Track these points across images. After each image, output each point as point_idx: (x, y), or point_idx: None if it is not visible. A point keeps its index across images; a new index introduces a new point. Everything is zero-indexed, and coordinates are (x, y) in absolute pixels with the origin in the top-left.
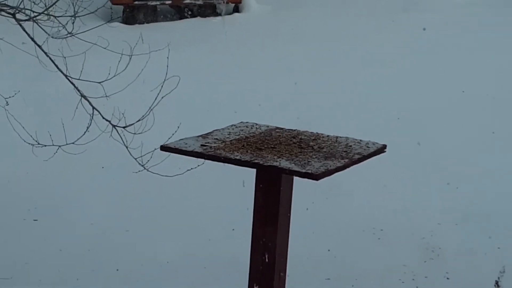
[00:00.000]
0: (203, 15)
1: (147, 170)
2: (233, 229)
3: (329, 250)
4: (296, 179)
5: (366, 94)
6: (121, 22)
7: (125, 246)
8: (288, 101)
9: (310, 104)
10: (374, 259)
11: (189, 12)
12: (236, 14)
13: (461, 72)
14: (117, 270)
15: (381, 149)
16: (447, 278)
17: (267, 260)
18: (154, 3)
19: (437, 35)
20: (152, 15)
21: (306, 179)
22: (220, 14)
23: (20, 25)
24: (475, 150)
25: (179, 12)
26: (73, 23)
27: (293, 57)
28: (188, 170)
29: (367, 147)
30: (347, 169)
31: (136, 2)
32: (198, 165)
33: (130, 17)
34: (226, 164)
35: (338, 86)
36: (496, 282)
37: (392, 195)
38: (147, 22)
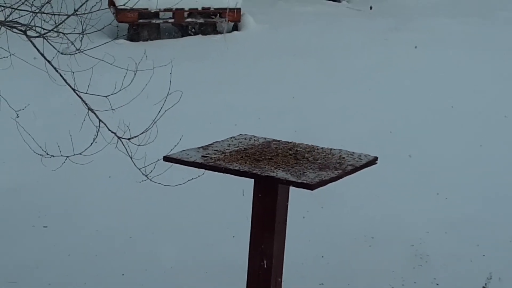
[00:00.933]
0: (204, 33)
1: (150, 180)
2: (233, 236)
3: (322, 256)
4: (292, 188)
5: (360, 108)
6: (126, 39)
7: (130, 252)
8: (286, 114)
9: (306, 117)
10: (365, 265)
11: (192, 30)
12: (235, 32)
13: (450, 88)
14: (123, 274)
15: (373, 161)
16: (437, 284)
17: (265, 265)
18: (157, 21)
19: (428, 52)
20: (156, 33)
21: (301, 189)
22: (220, 32)
23: (31, 41)
24: (463, 162)
25: (181, 30)
26: (81, 40)
27: (290, 71)
28: (189, 180)
29: (360, 159)
30: (341, 180)
31: (141, 21)
32: (199, 175)
33: (135, 34)
34: (225, 174)
35: (333, 100)
36: None
37: (383, 204)
38: (151, 39)
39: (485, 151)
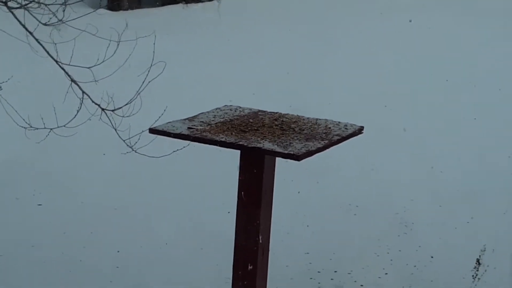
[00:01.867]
0: (186, 1)
1: (135, 152)
2: (228, 212)
3: (308, 226)
4: (278, 158)
5: (355, 83)
6: (106, 9)
7: (125, 229)
8: (281, 89)
9: (301, 92)
10: (350, 234)
11: None
12: (215, 1)
13: (444, 61)
14: (118, 251)
15: (359, 131)
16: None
17: (251, 236)
18: None
19: (422, 26)
20: (136, 2)
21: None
22: (201, 1)
23: (12, 12)
24: (458, 136)
25: None
26: (63, 10)
27: (280, 41)
28: (174, 151)
29: (346, 128)
30: (330, 150)
31: None
32: (184, 147)
33: (115, 3)
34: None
35: (329, 75)
36: (477, 260)
37: (376, 176)
38: (131, 9)
39: (480, 124)
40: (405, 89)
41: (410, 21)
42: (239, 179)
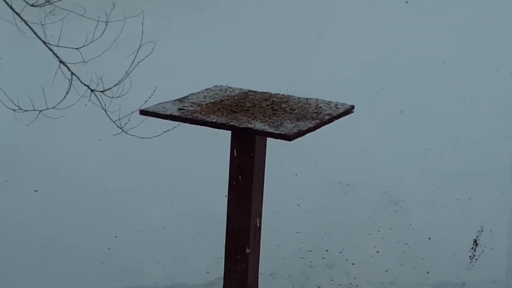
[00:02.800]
0: None
1: (125, 132)
2: (225, 196)
3: (298, 205)
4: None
5: (352, 65)
6: None
7: (122, 213)
8: (277, 71)
9: (298, 74)
10: (341, 212)
11: None
12: None
13: (442, 43)
14: (116, 236)
15: (349, 110)
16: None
17: (244, 219)
18: None
19: (419, 7)
20: None
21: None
22: None
23: None
24: (455, 118)
25: None
26: None
27: (277, 23)
28: (164, 131)
29: (336, 108)
30: (321, 130)
31: None
32: (174, 127)
33: None
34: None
35: (326, 57)
36: (475, 241)
37: (369, 156)
38: None
39: (477, 106)
40: (402, 71)
41: (407, 2)
42: (230, 159)
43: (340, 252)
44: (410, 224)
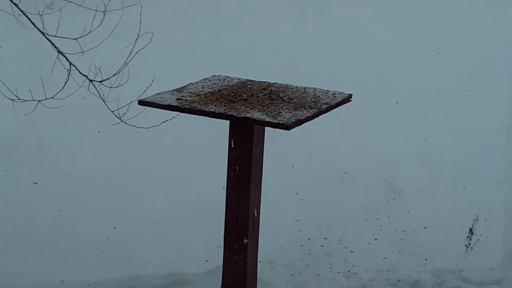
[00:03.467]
0: None
1: (124, 123)
2: (223, 187)
3: (297, 193)
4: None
5: (347, 57)
6: None
7: (121, 204)
8: (273, 61)
9: (294, 66)
10: (339, 200)
11: None
12: None
13: (437, 34)
14: (114, 228)
15: (347, 99)
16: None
17: (243, 209)
18: None
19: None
20: None
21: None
22: None
23: None
24: (450, 108)
25: None
26: None
27: (273, 14)
28: (163, 122)
29: (334, 97)
30: (319, 119)
31: None
32: (173, 117)
33: None
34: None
35: (322, 48)
36: (470, 229)
37: (367, 145)
38: None
39: (472, 96)
40: (398, 62)
41: None
42: (228, 148)
43: (339, 240)
44: (408, 212)
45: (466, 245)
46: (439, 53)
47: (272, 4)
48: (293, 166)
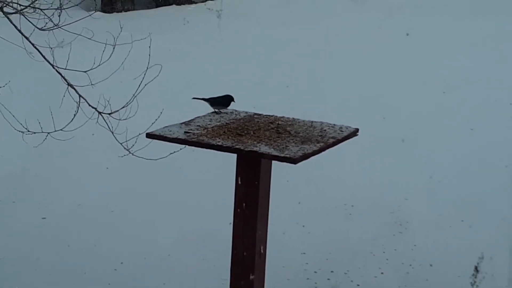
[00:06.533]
0: (178, 3)
1: (132, 154)
2: (230, 223)
3: (303, 226)
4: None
5: (353, 95)
6: (100, 11)
7: (128, 238)
8: (280, 96)
9: (300, 102)
10: (346, 234)
11: None
12: (209, 1)
13: (442, 73)
14: (122, 263)
15: (354, 133)
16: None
17: (249, 245)
18: None
19: (420, 39)
20: (130, 3)
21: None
22: (195, 2)
23: (8, 17)
24: (456, 146)
25: (155, 0)
26: (59, 15)
27: (280, 48)
28: (171, 153)
29: (341, 131)
30: (325, 153)
31: None
32: (181, 149)
33: (108, 5)
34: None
35: (328, 85)
36: (475, 267)
37: (373, 179)
38: (125, 11)
39: (477, 135)
40: (403, 101)
41: (407, 34)
42: (236, 182)
43: (345, 273)
44: (414, 245)
45: (471, 282)
46: (444, 92)
47: (280, 40)
48: (299, 203)
